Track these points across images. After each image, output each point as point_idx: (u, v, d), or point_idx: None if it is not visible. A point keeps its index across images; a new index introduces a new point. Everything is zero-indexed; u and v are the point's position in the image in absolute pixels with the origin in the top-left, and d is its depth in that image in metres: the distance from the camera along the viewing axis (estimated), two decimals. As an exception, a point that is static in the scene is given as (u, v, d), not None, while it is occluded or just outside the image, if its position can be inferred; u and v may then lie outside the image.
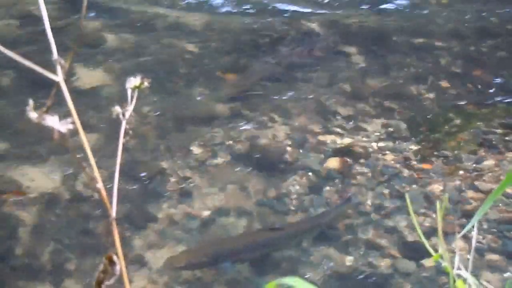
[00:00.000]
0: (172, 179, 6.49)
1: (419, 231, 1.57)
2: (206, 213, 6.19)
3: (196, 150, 6.82)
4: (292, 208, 6.26)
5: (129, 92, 1.58)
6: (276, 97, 7.60)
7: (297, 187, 6.47)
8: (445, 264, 1.59)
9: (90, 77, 7.69)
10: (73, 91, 7.15)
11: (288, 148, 6.91)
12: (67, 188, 6.28)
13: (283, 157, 6.82)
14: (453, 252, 5.31)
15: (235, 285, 5.56)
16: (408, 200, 1.71)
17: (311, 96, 7.64)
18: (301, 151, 6.87)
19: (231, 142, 6.95)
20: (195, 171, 6.60)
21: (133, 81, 1.60)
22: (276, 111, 7.39)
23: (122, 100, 1.63)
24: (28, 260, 5.67)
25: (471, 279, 1.57)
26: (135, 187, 6.35)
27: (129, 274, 5.55)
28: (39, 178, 6.37)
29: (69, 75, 7.45)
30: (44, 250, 5.75)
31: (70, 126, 1.30)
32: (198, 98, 7.53)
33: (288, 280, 1.15)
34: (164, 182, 6.46)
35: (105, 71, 7.82)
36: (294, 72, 8.02)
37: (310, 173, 6.61)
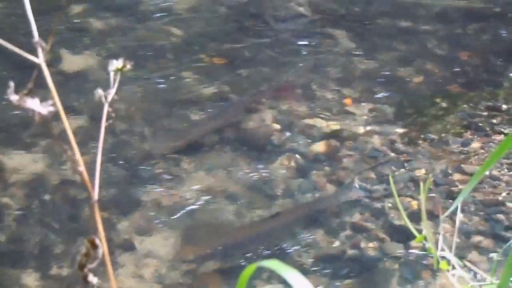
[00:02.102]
0: (159, 163, 6.48)
1: (402, 212, 1.57)
2: (193, 196, 6.18)
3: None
4: (279, 192, 6.26)
5: (111, 74, 1.57)
6: (262, 81, 7.59)
7: (284, 171, 6.47)
8: (429, 245, 1.60)
9: (76, 61, 7.65)
10: (59, 75, 7.16)
11: (275, 132, 6.91)
12: (53, 172, 6.27)
13: (270, 140, 6.82)
14: (438, 234, 5.33)
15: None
16: (391, 182, 1.71)
17: (298, 80, 7.64)
18: (288, 134, 6.87)
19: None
20: (182, 155, 6.58)
21: (115, 64, 1.59)
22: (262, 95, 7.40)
23: (108, 83, 1.62)
24: (14, 246, 5.66)
25: (454, 260, 1.57)
26: (122, 171, 6.34)
27: (117, 259, 5.56)
28: (25, 162, 6.35)
29: (54, 59, 7.43)
30: (30, 235, 5.74)
31: (51, 109, 1.30)
32: (186, 82, 7.52)
33: (268, 263, 1.16)
34: (151, 166, 6.45)
35: (91, 55, 7.78)
36: (281, 56, 8.00)
37: (297, 156, 6.62)
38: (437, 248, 1.70)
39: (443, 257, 1.62)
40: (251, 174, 6.40)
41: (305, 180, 6.38)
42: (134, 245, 5.70)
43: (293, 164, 6.54)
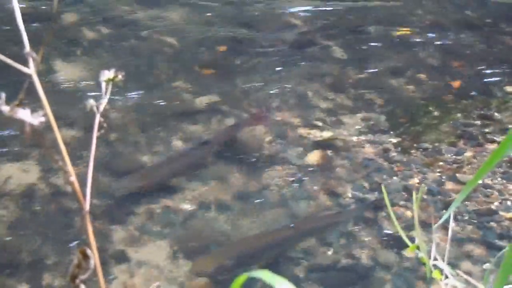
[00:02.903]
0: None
1: (395, 221, 1.57)
2: (186, 207, 6.17)
3: (176, 143, 6.80)
4: (273, 201, 6.26)
5: (103, 85, 1.57)
6: (256, 91, 7.59)
7: (277, 180, 6.46)
8: (421, 254, 1.59)
9: (69, 72, 7.65)
10: (51, 86, 7.15)
11: (268, 142, 6.91)
12: (45, 182, 6.25)
13: (262, 150, 6.82)
14: (432, 242, 5.33)
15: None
16: (384, 191, 1.71)
17: (290, 89, 7.65)
18: (281, 144, 6.87)
19: (211, 135, 6.94)
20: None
21: (107, 74, 1.58)
22: (255, 105, 7.38)
23: (101, 94, 1.61)
24: (7, 255, 5.64)
25: (447, 269, 1.57)
26: (115, 181, 6.33)
27: (110, 269, 5.54)
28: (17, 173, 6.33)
29: (47, 70, 7.43)
30: (23, 245, 5.72)
31: (42, 119, 1.29)
32: (178, 92, 7.52)
33: (258, 273, 1.15)
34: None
35: (84, 66, 7.78)
36: (274, 65, 8.00)
37: (290, 166, 6.61)
38: (429, 257, 1.70)
39: (435, 266, 1.62)
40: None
41: (299, 188, 6.38)
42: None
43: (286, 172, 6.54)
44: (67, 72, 7.63)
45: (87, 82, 7.45)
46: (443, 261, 1.61)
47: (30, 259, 5.63)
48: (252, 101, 7.43)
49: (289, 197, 6.30)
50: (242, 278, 1.18)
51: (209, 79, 7.78)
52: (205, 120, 7.13)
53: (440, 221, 1.68)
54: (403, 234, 1.61)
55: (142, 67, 7.82)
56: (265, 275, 1.12)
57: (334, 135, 7.02)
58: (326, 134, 7.03)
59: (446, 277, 1.63)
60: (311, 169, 6.60)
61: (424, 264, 1.62)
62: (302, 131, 7.06)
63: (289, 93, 7.59)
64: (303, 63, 8.12)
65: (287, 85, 7.70)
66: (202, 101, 7.40)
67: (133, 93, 7.31)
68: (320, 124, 7.16)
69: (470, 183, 1.66)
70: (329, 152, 6.80)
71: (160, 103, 7.28)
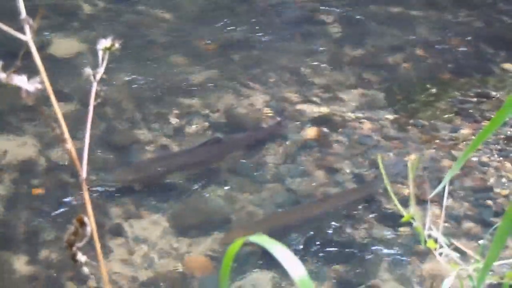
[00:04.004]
0: (149, 148, 6.48)
1: (391, 193, 1.58)
2: (182, 182, 6.18)
3: (173, 119, 6.80)
4: (269, 177, 6.27)
5: (100, 53, 1.57)
6: (254, 67, 7.58)
7: (274, 156, 6.47)
8: (416, 224, 1.60)
9: (66, 45, 7.63)
10: (49, 59, 7.14)
11: (266, 117, 6.91)
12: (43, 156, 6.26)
13: (260, 126, 6.83)
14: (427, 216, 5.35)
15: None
16: (380, 162, 1.71)
17: (288, 65, 7.64)
18: (278, 120, 6.87)
19: (208, 111, 6.94)
20: (172, 140, 6.58)
21: (104, 43, 1.58)
22: (253, 80, 7.38)
23: (97, 68, 1.61)
24: (3, 229, 5.65)
25: (441, 238, 1.58)
26: (111, 155, 6.33)
27: (107, 243, 5.56)
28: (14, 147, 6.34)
29: (44, 43, 7.41)
30: (20, 220, 5.73)
31: (39, 86, 1.29)
32: (175, 67, 7.51)
33: (254, 238, 1.16)
34: (141, 150, 6.44)
35: (80, 39, 7.77)
36: (272, 42, 7.99)
37: (287, 142, 6.62)
38: (425, 228, 1.71)
39: (430, 236, 1.63)
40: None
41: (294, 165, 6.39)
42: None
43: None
44: (63, 45, 7.60)
45: (84, 55, 7.43)
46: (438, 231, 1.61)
47: (26, 233, 5.64)
48: (250, 76, 7.42)
49: (285, 173, 6.30)
50: (238, 243, 1.19)
51: (206, 53, 7.76)
52: (202, 95, 7.13)
53: (435, 191, 1.68)
54: (399, 205, 1.62)
55: (139, 41, 7.80)
56: (262, 240, 1.12)
57: (331, 111, 7.02)
58: (323, 110, 7.03)
59: (441, 246, 1.64)
60: (308, 145, 6.61)
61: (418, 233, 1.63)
62: (300, 107, 7.07)
63: (287, 69, 7.58)
64: (300, 38, 8.11)
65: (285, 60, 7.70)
66: (199, 75, 7.39)
67: (129, 67, 7.30)
68: (317, 100, 7.17)
69: (466, 152, 1.66)
70: (325, 128, 6.80)
71: (157, 78, 7.27)
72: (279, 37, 8.09)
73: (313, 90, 7.30)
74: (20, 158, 6.23)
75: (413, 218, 1.63)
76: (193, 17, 8.34)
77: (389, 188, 1.63)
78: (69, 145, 1.36)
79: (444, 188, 1.78)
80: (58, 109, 1.34)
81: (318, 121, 6.88)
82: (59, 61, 7.35)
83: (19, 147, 6.34)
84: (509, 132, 6.80)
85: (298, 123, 6.84)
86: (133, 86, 7.14)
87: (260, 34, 8.10)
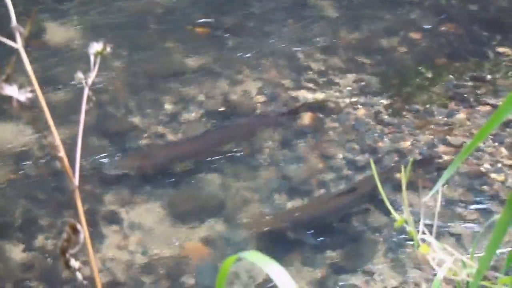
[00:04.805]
0: (144, 135, 6.48)
1: (385, 198, 1.57)
2: (178, 169, 6.18)
3: (168, 105, 6.79)
4: (264, 163, 6.28)
5: (92, 58, 1.56)
6: (248, 52, 7.56)
7: (269, 142, 6.47)
8: (409, 228, 1.60)
9: (60, 32, 7.60)
10: (42, 46, 7.12)
11: (260, 104, 6.90)
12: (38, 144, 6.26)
13: (254, 112, 6.82)
14: (421, 206, 5.36)
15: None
16: (372, 166, 1.71)
17: (282, 51, 7.62)
18: (273, 106, 6.87)
19: (203, 97, 6.92)
20: (167, 127, 6.58)
21: (95, 47, 1.57)
22: (247, 66, 7.36)
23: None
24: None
25: (435, 244, 1.58)
26: (106, 142, 6.33)
27: (101, 230, 5.58)
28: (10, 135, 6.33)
29: (38, 29, 7.38)
30: (16, 207, 5.74)
31: (29, 95, 1.29)
32: (170, 53, 7.48)
33: (247, 255, 1.15)
34: (136, 137, 6.44)
35: (74, 25, 7.73)
36: (265, 26, 7.96)
37: (281, 128, 6.62)
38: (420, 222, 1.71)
39: (423, 240, 1.63)
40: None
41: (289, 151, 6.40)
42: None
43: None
44: (57, 32, 7.57)
45: (78, 42, 7.41)
46: (431, 234, 1.62)
47: (23, 220, 5.65)
48: (244, 62, 7.40)
49: (280, 159, 6.31)
50: (231, 259, 1.19)
51: (200, 39, 7.73)
52: (196, 81, 7.11)
53: (431, 193, 1.68)
54: (392, 210, 1.62)
55: (133, 27, 7.77)
56: (255, 257, 1.12)
57: (326, 96, 7.02)
58: (318, 95, 7.02)
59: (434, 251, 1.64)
60: (303, 131, 6.61)
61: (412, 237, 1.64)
62: (294, 92, 7.06)
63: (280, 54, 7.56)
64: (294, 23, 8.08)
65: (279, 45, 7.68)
66: (192, 62, 7.37)
67: (124, 53, 7.29)
68: (311, 85, 7.16)
69: (470, 145, 1.66)
70: (320, 114, 6.80)
71: (151, 64, 7.26)
72: (274, 22, 8.05)
73: (307, 76, 7.28)
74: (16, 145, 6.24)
75: (406, 222, 1.63)
76: (188, 2, 8.28)
77: (383, 193, 1.63)
78: (61, 153, 1.35)
79: (443, 183, 1.77)
80: (50, 119, 1.33)
81: (313, 107, 6.86)
82: (52, 48, 7.32)
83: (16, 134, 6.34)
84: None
85: (292, 109, 6.83)
86: (128, 72, 7.12)
87: (254, 18, 8.06)
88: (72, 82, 6.76)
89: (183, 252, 5.53)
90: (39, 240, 5.53)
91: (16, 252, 5.42)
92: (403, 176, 1.61)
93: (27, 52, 1.40)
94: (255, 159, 6.31)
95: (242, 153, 6.36)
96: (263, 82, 7.14)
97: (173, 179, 6.07)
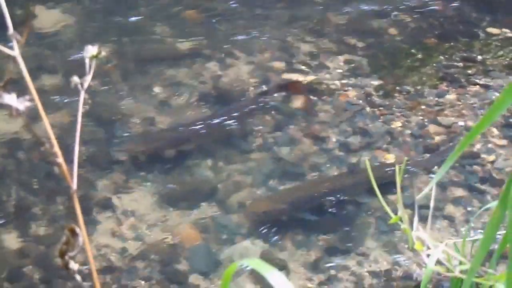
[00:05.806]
0: (136, 120, 6.48)
1: (379, 196, 1.59)
2: (170, 153, 6.18)
3: (158, 90, 6.79)
4: (257, 146, 6.29)
5: (87, 61, 1.56)
6: (238, 35, 7.54)
7: (261, 126, 6.48)
8: (404, 226, 1.62)
9: (50, 18, 7.57)
10: (35, 33, 7.11)
11: (252, 87, 6.91)
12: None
13: (246, 95, 6.82)
14: (415, 190, 5.41)
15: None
16: (367, 165, 1.73)
17: (273, 34, 7.60)
18: (264, 89, 6.88)
19: (194, 82, 6.92)
20: (158, 112, 6.58)
21: (90, 50, 1.58)
22: (238, 49, 7.35)
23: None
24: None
25: (429, 241, 1.60)
26: (98, 128, 6.33)
27: (95, 216, 5.60)
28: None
29: (30, 17, 7.36)
30: (8, 194, 5.75)
31: (28, 104, 1.29)
32: (159, 37, 7.47)
33: (249, 261, 1.17)
34: (128, 123, 6.44)
35: (65, 12, 7.70)
36: (256, 9, 7.94)
37: (273, 112, 6.63)
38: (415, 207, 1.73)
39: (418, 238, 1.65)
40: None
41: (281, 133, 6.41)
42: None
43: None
44: (48, 18, 7.55)
45: (69, 28, 7.39)
46: (425, 229, 1.64)
47: (16, 207, 5.67)
48: (234, 45, 7.40)
49: (273, 142, 6.32)
50: (233, 266, 1.20)
51: (189, 23, 7.71)
52: (187, 66, 7.11)
53: (426, 190, 1.70)
54: (386, 207, 1.64)
55: (123, 11, 7.74)
56: (256, 264, 1.14)
57: (317, 78, 7.02)
58: (309, 78, 7.03)
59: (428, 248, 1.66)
60: (295, 113, 6.62)
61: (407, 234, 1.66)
62: (286, 75, 7.07)
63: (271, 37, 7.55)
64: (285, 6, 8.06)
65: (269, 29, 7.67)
66: (182, 45, 7.37)
67: (114, 38, 7.28)
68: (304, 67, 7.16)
69: (457, 150, 1.67)
70: (311, 96, 6.81)
71: (141, 49, 7.25)
72: (263, 5, 8.02)
73: (298, 58, 7.28)
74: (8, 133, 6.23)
75: (401, 220, 1.65)
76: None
77: (377, 191, 1.65)
78: (60, 159, 1.37)
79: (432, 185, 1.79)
80: (49, 126, 1.34)
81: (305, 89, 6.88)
82: (43, 34, 7.30)
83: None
84: (493, 97, 6.82)
85: (284, 92, 6.84)
86: (117, 57, 7.11)
87: (245, 2, 8.03)
88: (62, 68, 6.75)
89: (177, 237, 5.55)
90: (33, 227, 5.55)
91: (11, 240, 5.44)
92: (398, 174, 1.63)
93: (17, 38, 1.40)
94: (247, 142, 6.32)
95: (234, 136, 6.38)
96: (254, 66, 7.14)
97: (165, 164, 6.08)
